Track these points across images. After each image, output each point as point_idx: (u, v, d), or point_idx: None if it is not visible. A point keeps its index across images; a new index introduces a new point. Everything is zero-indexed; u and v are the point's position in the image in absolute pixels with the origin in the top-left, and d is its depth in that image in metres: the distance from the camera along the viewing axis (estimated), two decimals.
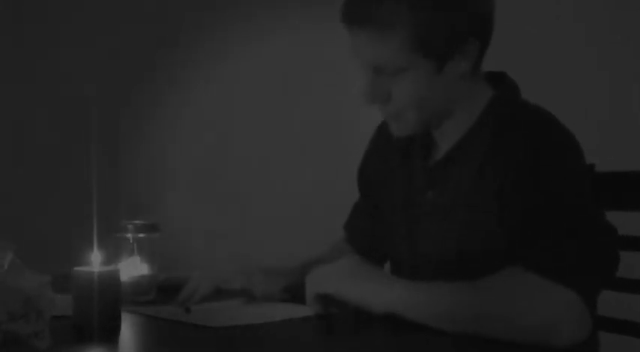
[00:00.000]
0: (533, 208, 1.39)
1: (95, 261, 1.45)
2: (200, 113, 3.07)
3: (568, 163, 1.45)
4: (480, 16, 1.50)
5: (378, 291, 1.42)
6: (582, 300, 1.36)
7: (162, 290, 1.88)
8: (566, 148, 1.46)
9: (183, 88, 3.11)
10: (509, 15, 2.90)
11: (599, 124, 2.81)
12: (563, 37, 2.89)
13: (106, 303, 1.43)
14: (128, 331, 1.52)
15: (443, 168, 1.55)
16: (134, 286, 1.80)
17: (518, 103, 1.54)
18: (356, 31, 1.48)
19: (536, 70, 2.87)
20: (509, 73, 1.65)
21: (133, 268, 1.83)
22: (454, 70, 1.49)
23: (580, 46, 2.88)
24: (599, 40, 2.86)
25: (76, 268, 1.45)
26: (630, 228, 1.88)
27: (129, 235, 1.84)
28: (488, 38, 1.53)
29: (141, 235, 1.85)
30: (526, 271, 1.36)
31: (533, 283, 1.35)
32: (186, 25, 3.07)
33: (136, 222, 1.85)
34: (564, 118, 1.51)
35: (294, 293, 1.77)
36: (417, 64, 1.46)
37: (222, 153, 3.00)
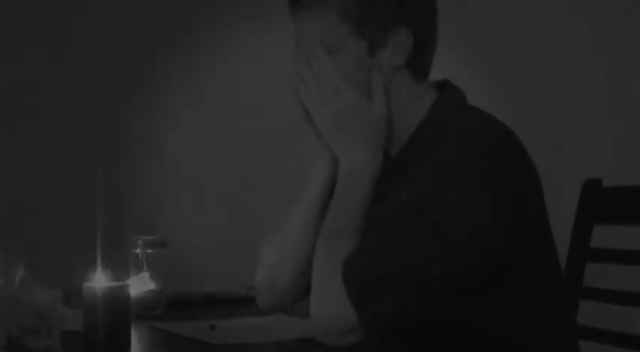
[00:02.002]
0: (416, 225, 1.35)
1: (105, 277, 1.47)
2: (206, 122, 3.07)
3: (496, 192, 1.36)
4: (412, 7, 1.51)
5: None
6: (360, 327, 1.34)
7: (170, 306, 1.89)
8: (501, 169, 1.38)
9: (187, 93, 3.10)
10: (504, 7, 2.92)
11: (597, 123, 2.80)
12: (559, 28, 2.87)
13: (115, 318, 1.44)
14: (138, 346, 1.53)
15: (388, 178, 1.54)
16: (143, 301, 1.81)
17: (461, 107, 1.52)
18: (296, 15, 1.53)
19: (533, 64, 2.87)
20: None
21: (141, 283, 1.84)
22: (386, 59, 1.49)
23: (576, 38, 2.87)
24: (595, 31, 2.85)
25: (86, 283, 1.46)
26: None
27: (137, 250, 1.85)
28: (425, 41, 1.52)
29: (149, 251, 1.86)
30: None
31: (338, 280, 1.36)
32: (186, 26, 3.06)
33: (145, 237, 1.87)
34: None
35: None
36: (347, 40, 1.49)
37: (231, 167, 3.01)
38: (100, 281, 1.46)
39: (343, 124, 1.49)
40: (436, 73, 1.58)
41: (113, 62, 3.00)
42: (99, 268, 1.45)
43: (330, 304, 1.36)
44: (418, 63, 1.52)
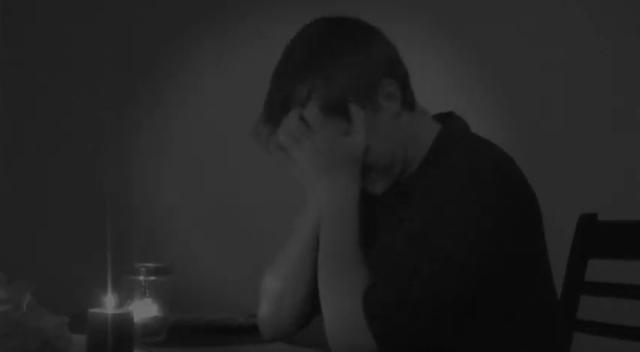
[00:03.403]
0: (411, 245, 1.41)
1: (109, 303, 1.50)
2: (212, 150, 3.07)
3: (495, 221, 1.42)
4: (385, 59, 1.53)
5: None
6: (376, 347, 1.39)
7: (171, 332, 1.92)
8: (500, 199, 1.43)
9: (193, 113, 3.09)
10: (505, 16, 2.93)
11: (600, 125, 2.81)
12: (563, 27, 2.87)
13: (119, 344, 1.48)
14: None
15: (396, 207, 1.57)
16: (145, 327, 1.84)
17: (463, 138, 1.56)
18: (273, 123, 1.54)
19: (536, 63, 2.88)
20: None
21: (144, 310, 1.87)
22: (386, 114, 1.52)
23: (579, 45, 2.86)
24: (600, 36, 2.84)
25: (91, 310, 1.49)
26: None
27: (141, 278, 1.89)
28: (404, 77, 1.55)
29: (152, 278, 1.90)
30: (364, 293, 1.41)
31: (355, 311, 1.40)
32: (184, 26, 3.06)
33: (148, 264, 1.90)
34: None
35: None
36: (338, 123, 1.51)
37: (235, 196, 3.02)
38: (104, 307, 1.49)
39: (320, 162, 1.51)
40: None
41: (114, 75, 3.01)
42: (108, 293, 1.48)
43: (351, 335, 1.40)
44: (407, 98, 1.55)
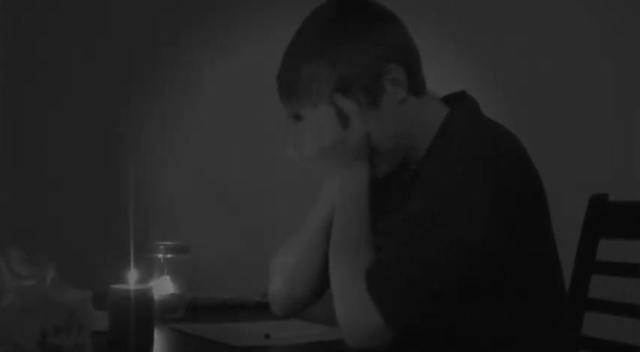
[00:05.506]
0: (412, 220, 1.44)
1: (131, 279, 1.53)
2: (226, 130, 3.09)
3: (499, 204, 1.43)
4: (392, 42, 1.55)
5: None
6: (387, 329, 1.41)
7: (190, 310, 1.96)
8: (505, 183, 1.44)
9: (203, 102, 3.12)
10: (507, 10, 2.95)
11: (600, 125, 2.82)
12: (564, 33, 2.88)
13: (140, 319, 1.51)
14: (160, 347, 1.60)
15: (407, 190, 1.59)
16: (164, 304, 1.87)
17: (471, 118, 1.57)
18: (292, 105, 1.57)
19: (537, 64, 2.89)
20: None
21: (163, 287, 1.90)
22: (391, 100, 1.54)
23: (581, 43, 2.87)
24: (602, 35, 2.85)
25: (113, 285, 1.53)
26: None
27: (159, 255, 1.92)
28: (412, 63, 1.57)
29: (170, 256, 1.93)
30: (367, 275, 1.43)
31: (361, 288, 1.42)
32: (186, 25, 3.08)
33: (167, 242, 1.93)
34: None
35: None
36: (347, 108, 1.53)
37: (250, 176, 3.04)
38: (126, 283, 1.52)
39: (326, 157, 1.54)
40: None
41: (132, 63, 3.03)
42: (131, 269, 1.52)
43: (358, 312, 1.43)
44: (415, 83, 1.56)
